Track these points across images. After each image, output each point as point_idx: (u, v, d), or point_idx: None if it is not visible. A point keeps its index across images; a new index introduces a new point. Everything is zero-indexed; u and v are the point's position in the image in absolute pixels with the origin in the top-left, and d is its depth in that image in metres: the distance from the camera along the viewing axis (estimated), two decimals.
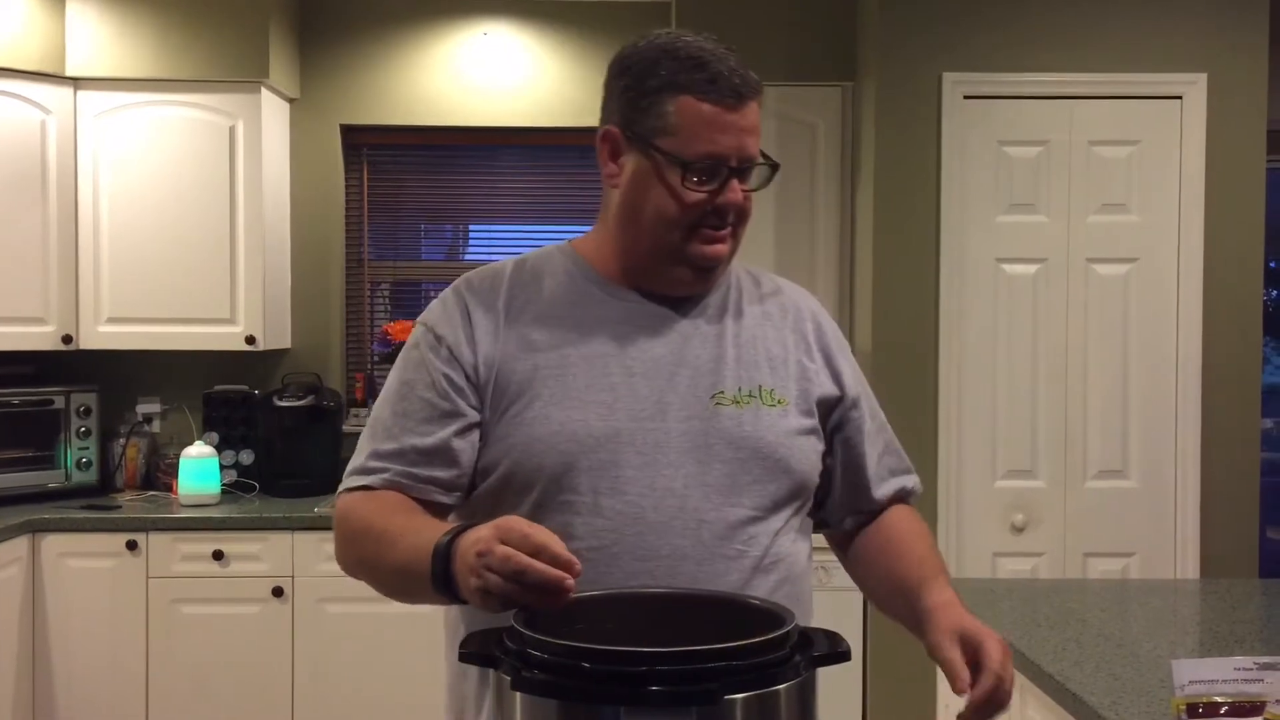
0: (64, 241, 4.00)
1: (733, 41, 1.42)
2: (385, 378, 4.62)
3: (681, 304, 1.46)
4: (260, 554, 3.77)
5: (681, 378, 1.41)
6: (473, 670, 1.35)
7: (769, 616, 1.12)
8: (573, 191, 4.57)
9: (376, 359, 4.51)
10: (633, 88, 1.40)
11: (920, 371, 3.63)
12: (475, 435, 1.40)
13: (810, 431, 1.47)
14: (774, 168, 1.42)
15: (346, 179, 4.50)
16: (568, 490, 1.36)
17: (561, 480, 1.36)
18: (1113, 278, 3.67)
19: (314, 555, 3.76)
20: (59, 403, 4.05)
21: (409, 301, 4.68)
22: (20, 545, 3.67)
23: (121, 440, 4.26)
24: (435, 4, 4.40)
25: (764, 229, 3.92)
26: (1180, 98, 3.65)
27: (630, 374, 1.40)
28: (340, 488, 1.43)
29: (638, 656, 1.00)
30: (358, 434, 1.46)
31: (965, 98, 3.64)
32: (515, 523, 1.12)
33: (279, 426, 4.14)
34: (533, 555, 1.09)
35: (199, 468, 3.95)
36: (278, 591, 3.76)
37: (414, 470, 1.38)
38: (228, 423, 4.18)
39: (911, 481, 1.59)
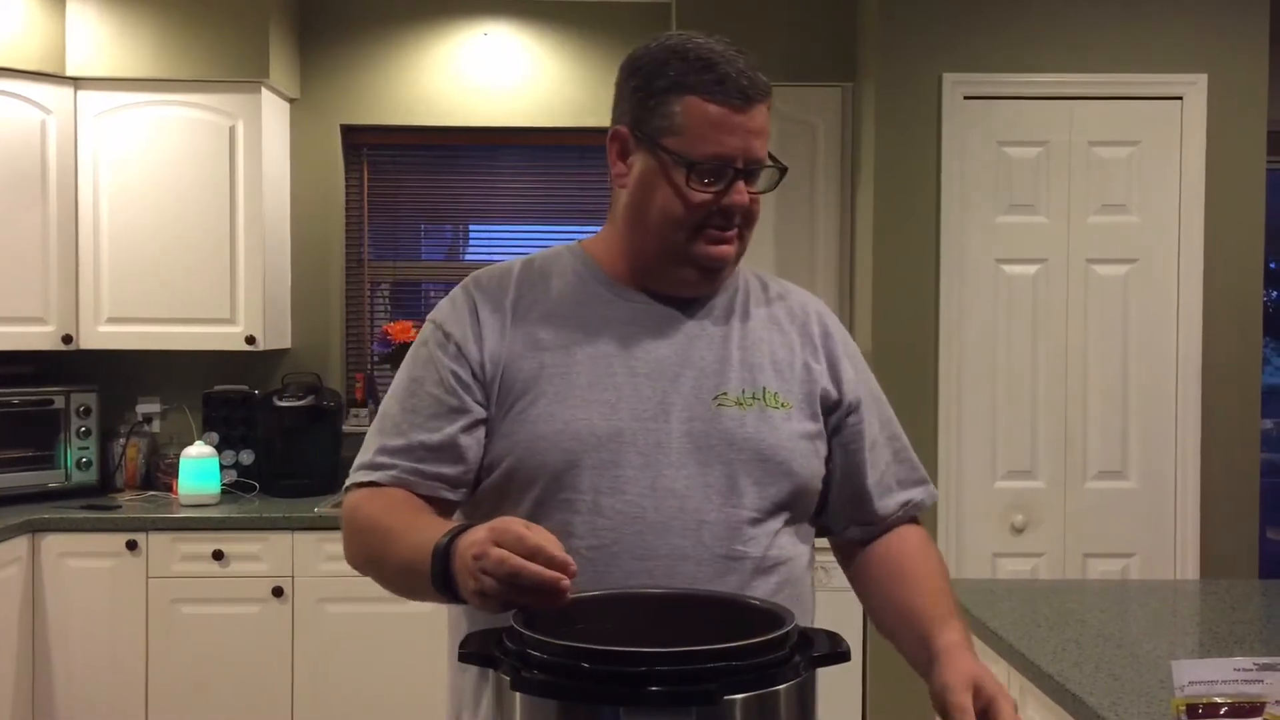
0: (64, 241, 4.00)
1: (732, 41, 1.42)
2: (385, 378, 4.64)
3: (688, 305, 1.46)
4: (260, 554, 3.77)
5: (685, 378, 1.41)
6: (471, 668, 1.36)
7: (769, 617, 1.12)
8: (573, 191, 4.57)
9: (376, 359, 4.51)
10: (642, 88, 1.40)
11: (920, 372, 3.63)
12: (481, 432, 1.40)
13: (814, 435, 1.46)
14: (782, 170, 1.42)
15: (346, 179, 4.50)
16: (569, 489, 1.36)
17: (563, 478, 1.36)
18: (1113, 278, 3.67)
19: (314, 555, 3.76)
20: (59, 402, 4.05)
21: (409, 301, 4.68)
22: (20, 545, 3.67)
23: (121, 440, 4.26)
24: (435, 4, 4.40)
25: (764, 229, 3.88)
26: (1180, 98, 3.65)
27: (634, 374, 1.40)
28: (347, 482, 1.44)
29: (637, 657, 1.00)
30: (358, 434, 1.47)
31: (965, 98, 3.64)
32: (511, 524, 1.12)
33: (279, 426, 4.14)
34: (528, 557, 1.08)
35: (199, 468, 3.95)
36: (277, 591, 3.76)
37: (421, 467, 1.38)
38: (228, 423, 4.18)
39: (921, 494, 1.55)
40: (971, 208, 3.65)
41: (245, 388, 4.26)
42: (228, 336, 4.05)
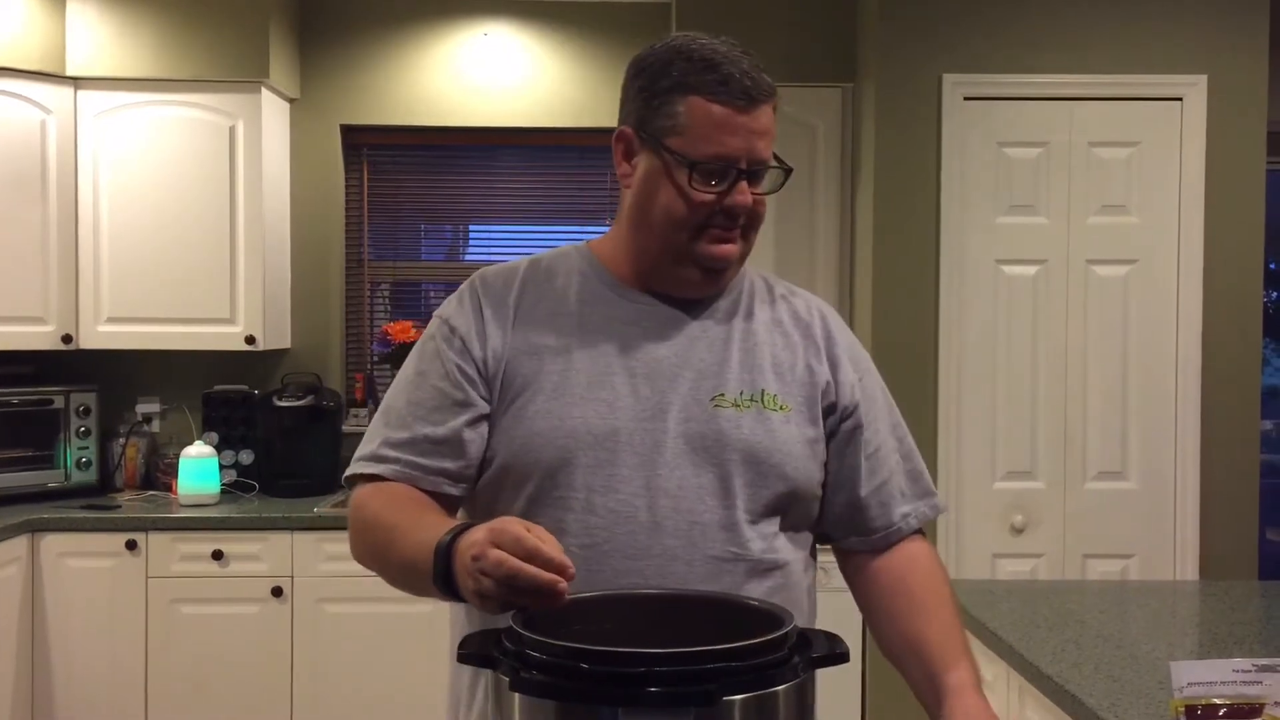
0: (64, 241, 4.00)
1: (738, 42, 1.42)
2: (385, 378, 4.64)
3: (692, 306, 1.46)
4: (260, 554, 3.77)
5: (684, 379, 1.41)
6: (467, 665, 1.36)
7: (767, 618, 1.12)
8: (573, 192, 4.57)
9: (376, 359, 4.51)
10: (646, 88, 1.40)
11: (920, 373, 3.63)
12: (485, 427, 1.41)
13: (813, 440, 1.45)
14: (787, 171, 1.41)
15: (346, 179, 4.50)
16: (563, 486, 1.37)
17: (557, 476, 1.37)
18: (1112, 279, 3.67)
19: (313, 555, 3.76)
20: (59, 402, 4.05)
21: (409, 302, 4.68)
22: (20, 545, 3.67)
23: (121, 440, 4.26)
24: (435, 4, 4.40)
25: (764, 229, 3.85)
26: (1180, 99, 3.65)
27: (633, 374, 1.41)
28: (349, 471, 1.44)
29: (636, 657, 1.00)
30: (357, 434, 1.48)
31: (965, 99, 3.64)
32: (510, 525, 1.12)
33: (278, 426, 4.14)
34: (526, 559, 1.09)
35: (198, 468, 3.95)
36: (277, 591, 3.76)
37: (423, 461, 1.39)
38: (227, 423, 4.18)
39: (924, 507, 1.52)
40: (971, 208, 3.65)
41: (245, 388, 4.26)
42: (227, 336, 4.05)
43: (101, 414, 4.17)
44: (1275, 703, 1.54)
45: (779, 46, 3.91)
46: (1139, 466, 3.68)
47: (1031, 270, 3.67)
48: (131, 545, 3.73)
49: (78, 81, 4.02)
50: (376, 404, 4.28)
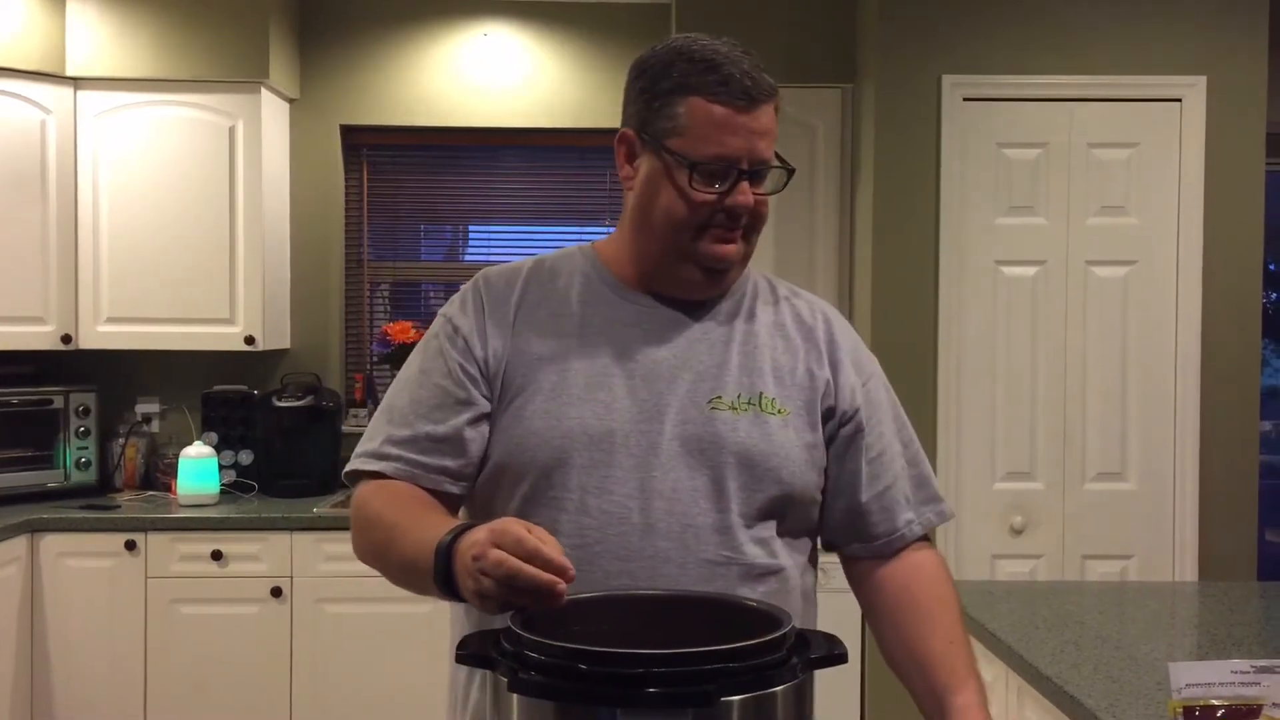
0: (63, 241, 4.00)
1: (738, 42, 1.42)
2: (384, 378, 4.64)
3: (694, 308, 1.46)
4: (259, 554, 3.77)
5: (682, 381, 1.41)
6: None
7: (766, 618, 1.12)
8: (572, 192, 4.57)
9: (376, 359, 4.51)
10: (647, 90, 1.40)
11: (919, 373, 3.63)
12: (485, 426, 1.41)
13: (812, 445, 1.44)
14: (789, 172, 1.41)
15: (346, 179, 4.50)
16: (558, 486, 1.37)
17: (552, 476, 1.37)
18: (1112, 280, 3.67)
19: (313, 555, 3.76)
20: (58, 402, 4.05)
21: (408, 302, 4.68)
22: (19, 545, 3.67)
23: (120, 440, 4.26)
24: (435, 4, 4.40)
25: (764, 230, 3.91)
26: (1180, 100, 3.65)
27: (631, 376, 1.40)
28: (350, 467, 1.44)
29: (634, 658, 1.00)
30: (357, 434, 1.48)
31: (965, 100, 3.64)
32: (512, 526, 1.13)
33: (278, 427, 4.14)
34: (526, 559, 1.09)
35: (198, 468, 3.95)
36: (276, 592, 3.76)
37: (425, 459, 1.39)
38: (227, 423, 4.18)
39: (930, 514, 1.50)
40: (971, 209, 3.65)
41: (244, 388, 4.26)
42: (227, 336, 4.05)
43: (101, 414, 4.17)
44: (1273, 704, 1.54)
45: (779, 47, 3.91)
46: (1138, 467, 3.68)
47: (1031, 271, 3.67)
48: (131, 545, 3.73)
49: (77, 81, 4.02)
50: (376, 404, 4.28)
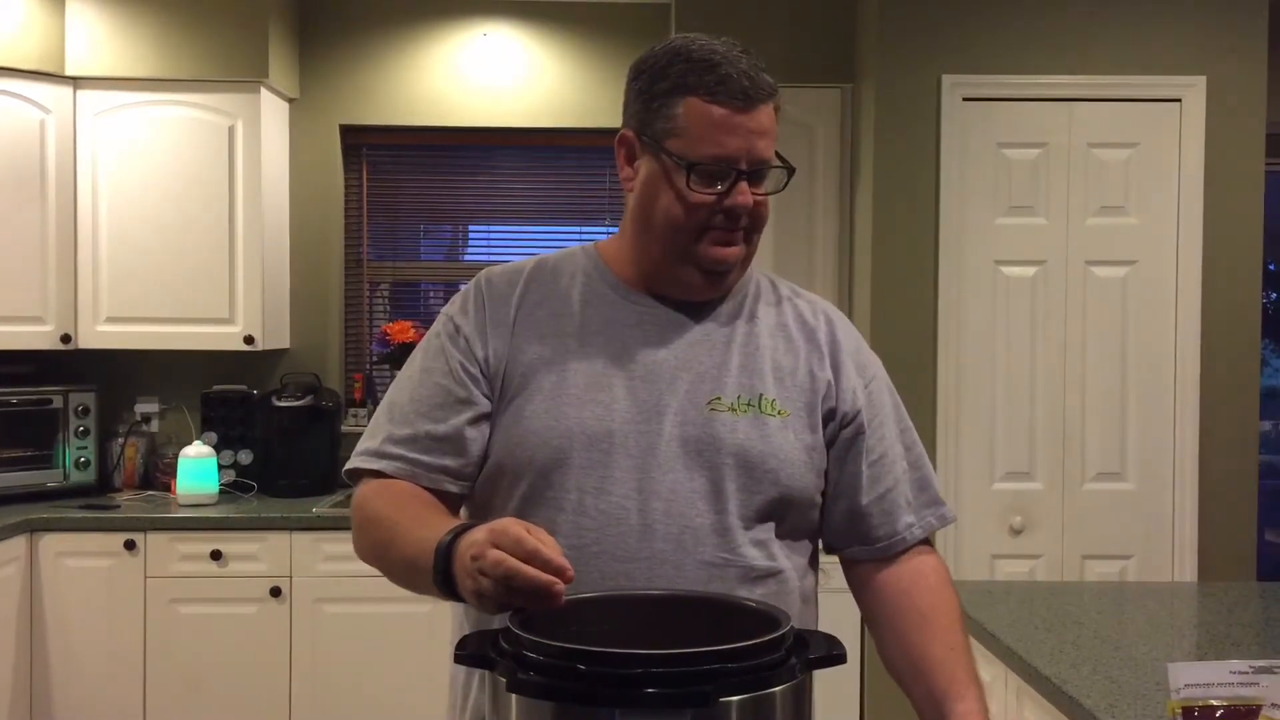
0: (63, 241, 4.00)
1: (737, 42, 1.41)
2: (384, 378, 4.64)
3: (696, 309, 1.45)
4: (258, 554, 3.77)
5: (682, 382, 1.40)
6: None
7: (764, 619, 1.12)
8: (572, 192, 4.57)
9: (375, 359, 4.51)
10: (645, 90, 1.40)
11: (919, 373, 3.63)
12: (486, 426, 1.41)
13: (812, 447, 1.43)
14: (790, 171, 1.40)
15: (346, 179, 4.50)
16: (556, 487, 1.36)
17: (550, 476, 1.37)
18: (1111, 280, 3.67)
19: (312, 555, 3.76)
20: (57, 402, 4.05)
21: (408, 302, 4.68)
22: (18, 545, 3.67)
23: (120, 440, 4.26)
24: (435, 4, 4.40)
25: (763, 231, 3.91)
26: (1179, 100, 3.65)
27: (631, 377, 1.40)
28: (350, 464, 1.44)
29: (633, 658, 1.00)
30: (356, 434, 1.48)
31: (964, 100, 3.64)
32: (511, 526, 1.12)
33: (277, 426, 4.14)
34: (525, 560, 1.09)
35: (197, 467, 3.95)
36: (275, 591, 3.76)
37: (425, 459, 1.39)
38: (226, 423, 4.18)
39: (931, 517, 1.49)
40: (970, 209, 3.65)
41: (244, 388, 4.26)
42: (226, 336, 4.05)
43: (100, 414, 4.17)
44: (1272, 704, 1.54)
45: (778, 47, 3.91)
46: (1138, 467, 3.68)
47: (1030, 271, 3.67)
48: (130, 545, 3.73)
49: (77, 81, 4.02)
50: (376, 404, 4.28)
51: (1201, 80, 3.64)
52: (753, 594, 1.35)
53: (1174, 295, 3.66)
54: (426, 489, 1.39)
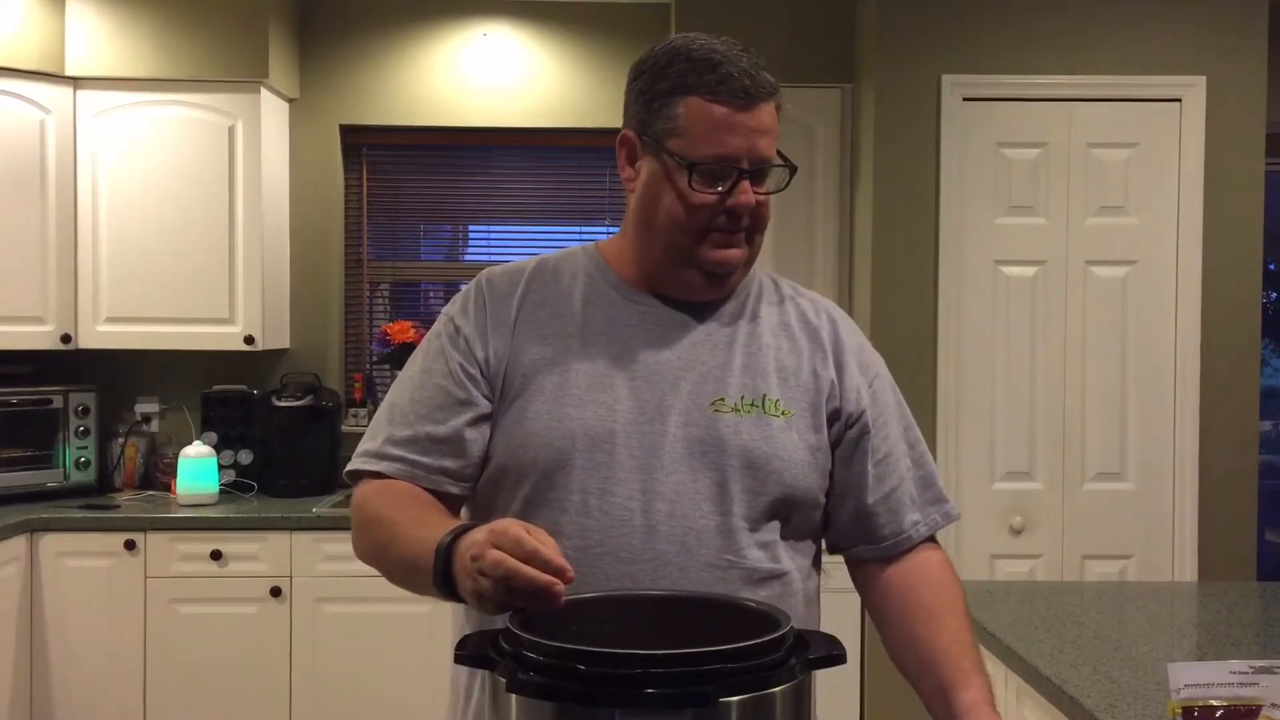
0: (63, 241, 4.00)
1: (738, 41, 1.41)
2: (384, 378, 4.63)
3: (698, 309, 1.45)
4: (258, 554, 3.77)
5: (685, 383, 1.40)
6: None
7: (765, 619, 1.12)
8: (572, 192, 4.57)
9: (375, 359, 4.51)
10: (646, 91, 1.39)
11: (919, 373, 3.63)
12: (486, 427, 1.41)
13: (816, 447, 1.42)
14: (792, 170, 1.40)
15: (346, 179, 4.50)
16: (560, 488, 1.36)
17: (553, 477, 1.36)
18: (1111, 280, 3.67)
19: (312, 555, 3.76)
20: (57, 402, 4.05)
21: (408, 302, 4.68)
22: (18, 545, 3.67)
23: (120, 440, 4.26)
24: (435, 4, 4.40)
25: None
26: (1179, 100, 3.65)
27: (634, 377, 1.40)
28: (351, 466, 1.44)
29: (633, 659, 1.00)
30: (356, 434, 1.48)
31: (964, 100, 3.64)
32: (511, 527, 1.12)
33: (278, 426, 4.14)
34: (525, 560, 1.09)
35: (197, 467, 3.95)
36: (276, 591, 3.76)
37: (425, 460, 1.39)
38: (226, 423, 4.18)
39: (935, 515, 1.49)
40: (970, 209, 3.65)
41: (244, 388, 4.26)
42: (226, 336, 4.05)
43: (100, 414, 4.17)
44: (1272, 704, 1.54)
45: (778, 47, 3.91)
46: (1138, 467, 3.68)
47: (1030, 271, 3.67)
48: (130, 545, 3.73)
49: (77, 81, 4.02)
50: (375, 404, 4.29)
51: (1201, 80, 3.64)
52: (757, 596, 1.34)
53: (1174, 295, 3.66)
54: (427, 490, 1.39)
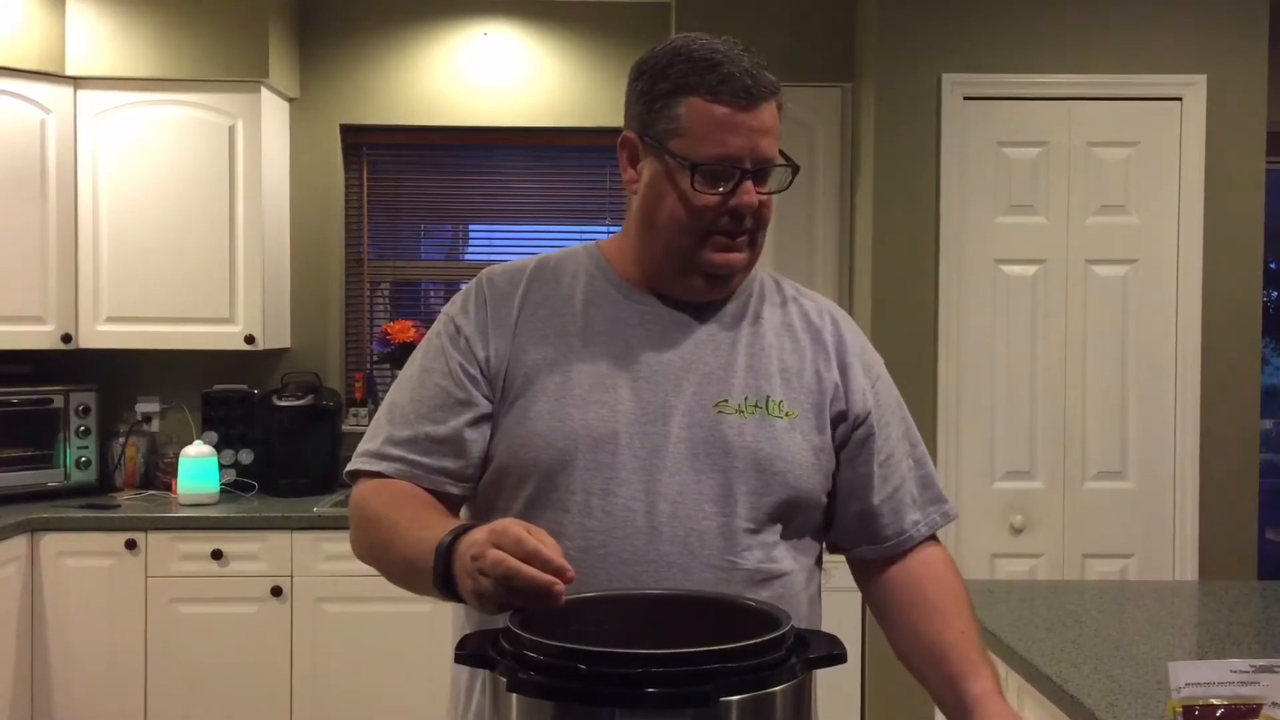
0: (63, 240, 4.00)
1: (739, 40, 1.41)
2: (385, 378, 4.63)
3: (700, 310, 1.44)
4: (259, 553, 3.77)
5: (688, 384, 1.40)
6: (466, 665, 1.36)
7: (765, 618, 1.12)
8: (572, 191, 4.57)
9: (376, 359, 4.51)
10: (647, 91, 1.39)
11: (919, 372, 3.63)
12: (486, 427, 1.41)
13: (819, 448, 1.42)
14: (794, 169, 1.40)
15: (346, 179, 4.50)
16: (562, 488, 1.36)
17: (556, 478, 1.36)
18: (1112, 279, 3.67)
19: (312, 555, 3.76)
20: (58, 402, 4.05)
21: (408, 301, 4.68)
22: (19, 544, 3.67)
23: (120, 439, 4.26)
24: (435, 4, 4.40)
25: None
26: (1180, 99, 3.65)
27: (636, 378, 1.39)
28: (351, 466, 1.44)
29: (633, 658, 1.00)
30: (357, 434, 1.47)
31: (965, 99, 3.64)
32: (512, 526, 1.12)
33: (278, 426, 4.14)
34: (525, 560, 1.08)
35: (198, 467, 3.95)
36: (276, 591, 3.76)
37: (425, 460, 1.39)
38: (227, 422, 4.19)
39: (935, 514, 1.50)
40: (971, 208, 3.65)
41: (244, 387, 4.26)
42: (227, 336, 4.05)
43: (101, 413, 4.17)
44: (1273, 703, 1.54)
45: (779, 46, 3.91)
46: (1138, 466, 3.68)
47: (1031, 270, 3.67)
48: (131, 545, 3.73)
49: (77, 81, 4.02)
50: (376, 404, 4.29)
51: (1202, 79, 3.64)
52: (759, 596, 1.34)
53: (1174, 294, 3.66)
54: (426, 490, 1.39)
